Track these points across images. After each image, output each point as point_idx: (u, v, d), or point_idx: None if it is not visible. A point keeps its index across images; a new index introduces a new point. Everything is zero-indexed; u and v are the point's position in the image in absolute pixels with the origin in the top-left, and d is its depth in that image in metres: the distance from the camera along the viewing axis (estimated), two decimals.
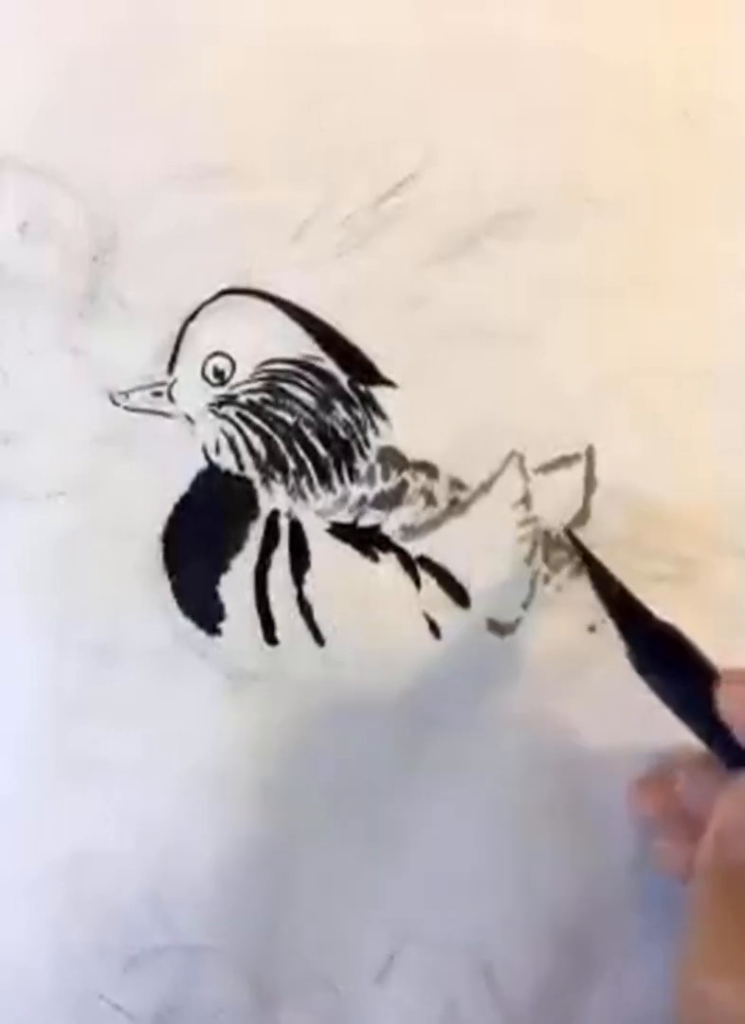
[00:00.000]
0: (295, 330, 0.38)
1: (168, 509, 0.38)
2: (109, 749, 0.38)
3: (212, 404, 0.38)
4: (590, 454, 0.39)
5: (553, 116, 0.39)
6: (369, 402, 0.38)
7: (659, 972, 0.37)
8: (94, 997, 0.38)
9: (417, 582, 0.38)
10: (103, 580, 0.39)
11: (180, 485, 0.38)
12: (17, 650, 0.39)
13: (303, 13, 0.39)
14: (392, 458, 0.39)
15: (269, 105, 0.39)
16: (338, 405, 0.38)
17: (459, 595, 0.38)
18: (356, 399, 0.38)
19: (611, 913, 0.38)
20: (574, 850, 0.38)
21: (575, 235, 0.39)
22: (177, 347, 0.38)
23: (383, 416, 0.39)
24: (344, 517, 0.38)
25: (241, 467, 0.39)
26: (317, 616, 0.38)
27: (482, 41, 0.39)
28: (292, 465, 0.38)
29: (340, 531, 0.38)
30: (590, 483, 0.39)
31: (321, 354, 0.38)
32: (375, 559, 0.38)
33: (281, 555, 0.38)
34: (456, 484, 0.38)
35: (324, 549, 0.38)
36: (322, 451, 0.38)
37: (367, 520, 0.38)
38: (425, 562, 0.38)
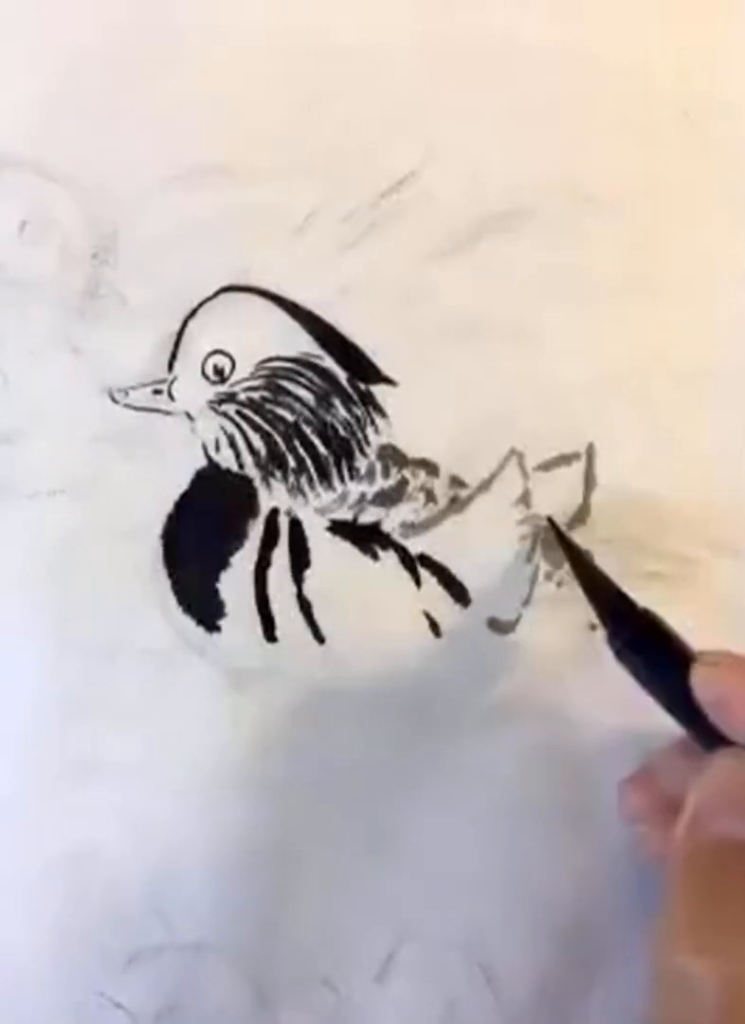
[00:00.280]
0: (295, 328, 0.38)
1: (168, 507, 0.38)
2: (109, 749, 0.38)
3: (212, 402, 0.39)
4: (590, 452, 0.39)
5: (553, 116, 0.39)
6: (369, 400, 0.39)
7: None
8: (94, 995, 0.38)
9: (417, 580, 0.38)
10: (103, 579, 0.39)
11: (180, 483, 0.39)
12: (17, 649, 0.39)
13: (303, 13, 0.39)
14: (392, 456, 0.39)
15: (269, 105, 0.39)
16: (338, 403, 0.39)
17: (459, 593, 0.38)
18: (356, 397, 0.38)
19: (611, 913, 0.38)
20: (574, 848, 0.38)
21: (575, 235, 0.39)
22: (177, 345, 0.39)
23: (383, 414, 0.39)
24: (344, 515, 0.38)
25: (241, 465, 0.39)
26: (317, 614, 0.38)
27: (482, 41, 0.40)
28: (292, 463, 0.38)
29: (340, 529, 0.38)
30: (590, 481, 0.39)
31: (321, 352, 0.38)
32: (375, 557, 0.38)
33: (281, 553, 0.38)
34: (456, 482, 0.38)
35: (324, 547, 0.38)
36: (322, 449, 0.39)
37: (367, 518, 0.38)
38: (425, 560, 0.38)
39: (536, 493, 0.38)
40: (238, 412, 0.38)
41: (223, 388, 0.38)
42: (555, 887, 0.38)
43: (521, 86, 0.39)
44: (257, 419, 0.38)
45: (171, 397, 0.39)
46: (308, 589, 0.38)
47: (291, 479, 0.38)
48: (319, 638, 0.38)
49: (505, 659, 0.38)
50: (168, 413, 0.39)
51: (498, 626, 0.38)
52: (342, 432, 0.39)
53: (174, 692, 0.38)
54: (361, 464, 0.39)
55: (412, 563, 0.38)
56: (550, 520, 0.38)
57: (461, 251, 0.39)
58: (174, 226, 0.39)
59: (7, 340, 0.39)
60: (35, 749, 0.39)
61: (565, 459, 0.39)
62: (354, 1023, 0.38)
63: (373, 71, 0.39)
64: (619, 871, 0.38)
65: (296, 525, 0.38)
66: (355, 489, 0.39)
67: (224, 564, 0.38)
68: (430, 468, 0.39)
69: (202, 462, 0.39)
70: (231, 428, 0.38)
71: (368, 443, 0.39)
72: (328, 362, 0.38)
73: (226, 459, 0.39)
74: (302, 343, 0.38)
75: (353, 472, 0.39)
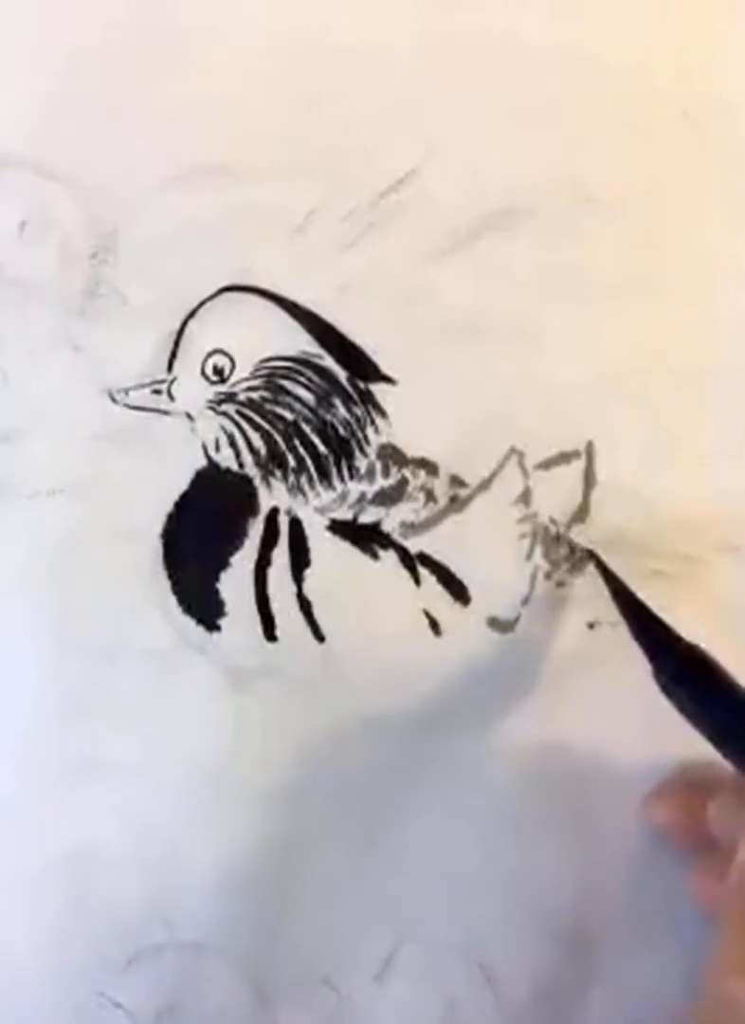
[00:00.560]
0: (295, 327, 0.38)
1: (168, 507, 0.38)
2: (109, 749, 0.38)
3: (212, 402, 0.38)
4: (590, 451, 0.39)
5: (553, 116, 0.39)
6: (369, 399, 0.39)
7: (659, 972, 0.37)
8: (94, 995, 0.38)
9: (417, 579, 0.38)
10: (103, 578, 0.39)
11: (180, 483, 0.38)
12: (17, 649, 0.39)
13: (303, 13, 0.39)
14: (392, 455, 0.39)
15: (269, 105, 0.39)
16: (338, 402, 0.39)
17: (459, 592, 0.38)
18: (356, 396, 0.38)
19: (611, 913, 0.38)
20: (574, 849, 0.38)
21: (575, 234, 0.39)
22: (177, 345, 0.38)
23: (383, 413, 0.39)
24: (344, 514, 0.38)
25: (241, 465, 0.39)
26: (317, 613, 0.38)
27: (482, 41, 0.40)
28: (292, 462, 0.38)
29: (340, 528, 0.38)
30: (590, 480, 0.39)
31: (321, 351, 0.38)
32: (375, 556, 0.38)
33: (281, 552, 0.38)
34: (456, 481, 0.38)
35: (324, 546, 0.38)
36: (322, 448, 0.39)
37: (367, 517, 0.38)
38: (425, 559, 0.38)
39: (536, 492, 0.38)
40: (238, 412, 0.38)
41: (223, 388, 0.38)
42: (555, 887, 0.38)
43: (521, 86, 0.39)
44: (257, 418, 0.38)
45: (171, 397, 0.39)
46: (308, 588, 0.38)
47: (291, 478, 0.38)
48: (319, 637, 0.38)
49: (505, 658, 0.38)
50: (168, 413, 0.39)
51: (498, 625, 0.38)
52: (342, 431, 0.39)
53: (174, 692, 0.38)
54: (361, 463, 0.39)
55: (412, 562, 0.38)
56: (593, 553, 0.38)
57: (461, 251, 0.39)
58: (174, 226, 0.39)
59: (7, 340, 0.39)
60: (35, 749, 0.39)
61: (565, 458, 0.39)
62: (354, 1023, 0.38)
63: (373, 71, 0.39)
64: (619, 871, 0.38)
65: (296, 524, 0.38)
66: (355, 488, 0.39)
67: (224, 564, 0.38)
68: (430, 467, 0.38)
69: (202, 462, 0.39)
70: (231, 428, 0.38)
71: (368, 442, 0.39)
72: (328, 361, 0.38)
73: (226, 459, 0.39)
74: (302, 342, 0.38)
75: (353, 471, 0.39)
